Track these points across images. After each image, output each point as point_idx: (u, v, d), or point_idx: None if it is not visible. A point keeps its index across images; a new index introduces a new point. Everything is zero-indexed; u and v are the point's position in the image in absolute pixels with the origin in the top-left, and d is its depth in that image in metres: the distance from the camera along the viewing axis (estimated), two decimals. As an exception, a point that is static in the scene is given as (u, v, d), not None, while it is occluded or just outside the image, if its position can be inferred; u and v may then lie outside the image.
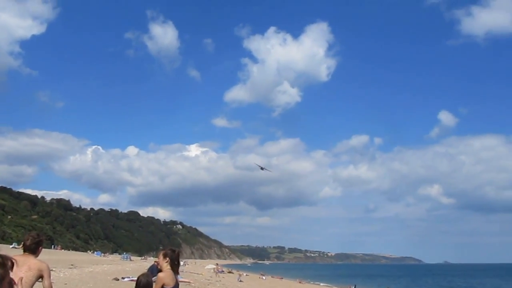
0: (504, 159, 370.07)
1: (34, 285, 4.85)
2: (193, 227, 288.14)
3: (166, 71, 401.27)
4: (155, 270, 6.97)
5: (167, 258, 6.19)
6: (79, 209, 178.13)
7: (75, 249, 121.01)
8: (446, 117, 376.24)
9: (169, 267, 6.15)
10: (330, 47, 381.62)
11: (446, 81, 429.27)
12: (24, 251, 4.98)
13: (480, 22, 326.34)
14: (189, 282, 27.79)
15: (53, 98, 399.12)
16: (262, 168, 58.58)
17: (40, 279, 4.85)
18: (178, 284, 6.28)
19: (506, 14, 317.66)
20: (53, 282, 5.10)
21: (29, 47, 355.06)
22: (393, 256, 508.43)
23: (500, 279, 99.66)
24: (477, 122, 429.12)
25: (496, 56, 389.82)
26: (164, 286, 6.05)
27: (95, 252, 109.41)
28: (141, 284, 5.76)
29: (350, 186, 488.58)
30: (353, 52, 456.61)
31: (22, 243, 5.08)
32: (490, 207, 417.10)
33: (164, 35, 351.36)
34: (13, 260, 4.74)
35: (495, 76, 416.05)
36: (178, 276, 6.36)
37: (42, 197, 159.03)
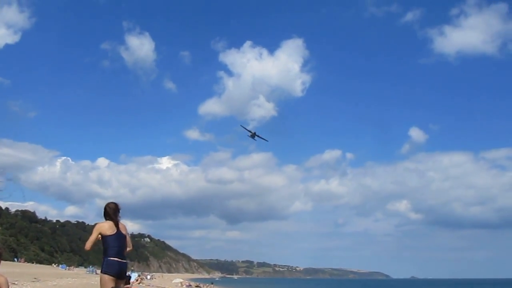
0: (472, 176, 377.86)
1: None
2: (161, 240, 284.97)
3: (142, 83, 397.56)
4: None
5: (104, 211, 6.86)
6: (45, 221, 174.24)
7: (40, 262, 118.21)
8: (416, 134, 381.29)
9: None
10: (305, 63, 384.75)
11: (417, 98, 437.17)
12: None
13: (452, 41, 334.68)
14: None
15: (25, 108, 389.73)
16: (253, 136, 51.36)
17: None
18: (122, 234, 6.74)
19: (477, 34, 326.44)
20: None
21: (2, 55, 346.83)
22: (361, 271, 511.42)
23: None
24: (447, 139, 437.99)
25: (466, 75, 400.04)
26: (103, 234, 6.52)
27: (60, 265, 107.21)
28: None
29: (320, 201, 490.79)
30: (327, 68, 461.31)
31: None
32: (457, 223, 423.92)
33: (140, 47, 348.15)
34: None
35: (465, 94, 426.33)
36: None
37: (7, 208, 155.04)
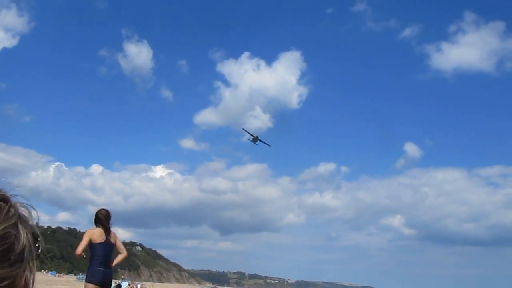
0: (466, 192, 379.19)
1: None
2: (153, 249, 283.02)
3: (139, 91, 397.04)
4: None
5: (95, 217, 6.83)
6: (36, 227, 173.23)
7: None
8: (411, 149, 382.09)
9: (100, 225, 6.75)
10: (302, 75, 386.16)
11: (413, 113, 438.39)
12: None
13: (449, 58, 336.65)
14: None
15: (20, 112, 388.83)
16: (256, 140, 48.32)
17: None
18: (111, 243, 6.74)
19: (474, 51, 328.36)
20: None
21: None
22: (353, 285, 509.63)
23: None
24: (442, 155, 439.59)
25: (462, 92, 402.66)
26: (92, 241, 6.43)
27: (50, 272, 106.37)
28: None
29: (314, 214, 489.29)
30: (324, 81, 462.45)
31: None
32: (450, 239, 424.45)
33: (138, 54, 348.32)
34: None
35: (461, 111, 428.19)
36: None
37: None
